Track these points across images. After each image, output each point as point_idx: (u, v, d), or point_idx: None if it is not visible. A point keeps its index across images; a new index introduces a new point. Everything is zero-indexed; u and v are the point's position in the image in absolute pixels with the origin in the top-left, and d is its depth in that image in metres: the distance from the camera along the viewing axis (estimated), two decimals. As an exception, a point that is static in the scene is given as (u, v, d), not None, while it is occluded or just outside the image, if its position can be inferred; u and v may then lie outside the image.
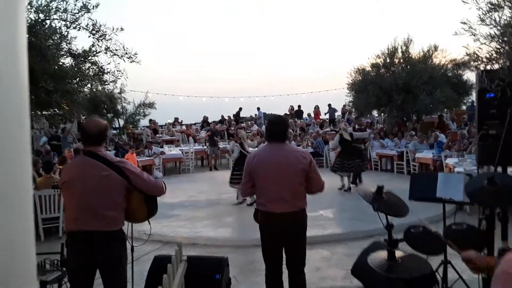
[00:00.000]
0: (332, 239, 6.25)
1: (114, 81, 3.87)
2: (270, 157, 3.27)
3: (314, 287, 4.42)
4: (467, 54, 3.58)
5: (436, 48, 15.17)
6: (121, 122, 17.53)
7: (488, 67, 3.33)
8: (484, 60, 3.40)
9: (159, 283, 2.23)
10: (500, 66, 3.02)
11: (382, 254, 2.12)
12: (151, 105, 17.12)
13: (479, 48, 3.43)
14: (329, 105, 20.29)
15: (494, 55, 3.29)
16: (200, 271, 3.81)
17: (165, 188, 3.06)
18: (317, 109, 20.82)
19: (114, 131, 17.55)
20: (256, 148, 7.70)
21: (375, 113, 17.60)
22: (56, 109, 3.64)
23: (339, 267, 5.19)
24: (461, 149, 10.44)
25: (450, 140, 11.29)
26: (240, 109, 21.77)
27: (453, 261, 3.59)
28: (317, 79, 38.36)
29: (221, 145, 14.30)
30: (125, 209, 2.89)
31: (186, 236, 6.47)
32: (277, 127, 3.35)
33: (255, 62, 38.41)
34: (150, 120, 18.52)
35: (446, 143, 11.23)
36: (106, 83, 3.81)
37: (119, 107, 16.90)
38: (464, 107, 17.08)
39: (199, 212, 8.07)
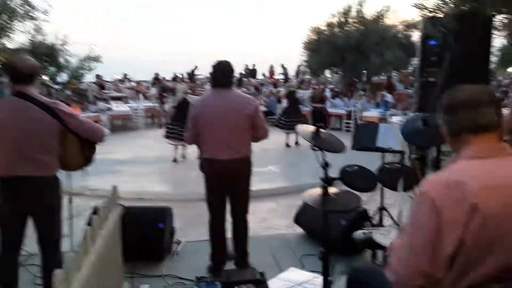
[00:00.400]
0: (279, 192, 6.38)
1: (45, 15, 3.45)
2: (215, 103, 3.16)
3: (260, 235, 4.50)
4: (415, 5, 3.56)
5: (388, 8, 15.34)
6: (65, 77, 16.44)
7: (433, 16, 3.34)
8: (430, 9, 3.41)
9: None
10: (444, 15, 3.04)
11: (316, 191, 2.14)
12: (96, 59, 16.07)
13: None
14: (282, 65, 20.21)
15: (440, 3, 3.30)
16: (143, 220, 3.74)
17: (105, 135, 2.86)
18: (271, 69, 20.69)
19: (57, 86, 16.47)
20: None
21: (327, 73, 17.75)
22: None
23: (283, 217, 5.31)
24: (405, 107, 10.85)
25: (396, 99, 11.68)
26: (196, 67, 21.10)
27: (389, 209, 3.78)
28: (274, 38, 37.97)
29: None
30: (60, 155, 2.70)
31: (131, 191, 6.30)
32: (222, 72, 3.22)
33: (211, 20, 37.23)
34: (97, 76, 17.55)
35: (393, 103, 11.61)
36: (36, 18, 3.41)
37: (61, 60, 15.76)
38: (411, 69, 17.61)
39: (146, 168, 7.88)
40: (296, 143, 9.90)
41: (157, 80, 20.04)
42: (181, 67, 21.33)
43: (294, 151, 9.54)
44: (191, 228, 5.01)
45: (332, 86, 17.29)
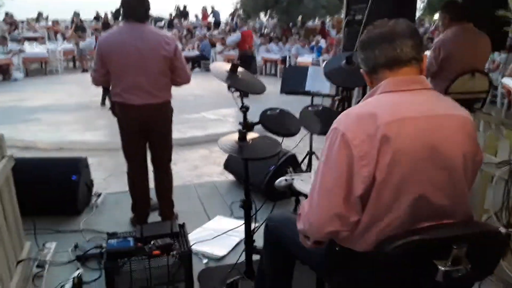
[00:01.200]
0: (212, 139, 6.19)
1: None
2: (126, 39, 2.76)
3: (190, 183, 4.36)
4: None
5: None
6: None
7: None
8: None
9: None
10: None
11: (233, 137, 1.98)
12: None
13: None
14: (212, 7, 19.22)
15: None
16: (54, 173, 3.40)
17: None
18: (204, 10, 19.61)
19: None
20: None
21: (262, 16, 17.29)
22: None
23: (216, 164, 5.20)
24: (337, 52, 10.94)
25: (329, 44, 11.70)
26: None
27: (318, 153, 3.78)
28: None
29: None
30: None
31: (48, 141, 5.78)
32: (135, 2, 2.79)
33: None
34: (6, 14, 15.54)
35: (325, 48, 11.64)
36: None
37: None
38: (343, 14, 17.67)
39: (66, 116, 7.24)
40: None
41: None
42: (103, 5, 19.48)
43: (226, 98, 9.31)
44: (114, 178, 4.73)
45: (267, 31, 16.93)
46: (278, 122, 2.02)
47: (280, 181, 1.97)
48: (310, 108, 2.18)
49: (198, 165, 5.22)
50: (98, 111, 7.63)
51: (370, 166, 1.13)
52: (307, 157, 3.92)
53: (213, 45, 13.95)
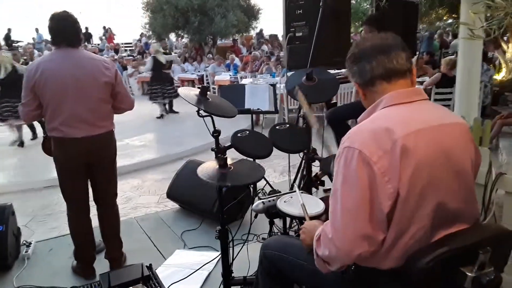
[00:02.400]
0: (142, 167, 5.88)
1: None
2: (61, 67, 2.47)
3: (127, 217, 4.02)
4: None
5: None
6: None
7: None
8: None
9: None
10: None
11: (212, 164, 1.86)
12: None
13: None
14: (104, 27, 18.74)
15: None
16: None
17: None
18: (109, 32, 18.81)
19: None
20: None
21: (172, 36, 17.08)
22: None
23: (151, 193, 4.92)
24: (253, 70, 11.21)
25: (244, 62, 11.94)
26: (9, 30, 17.62)
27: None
28: None
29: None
30: None
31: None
32: (68, 26, 2.52)
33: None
34: None
35: (242, 65, 11.85)
36: None
37: None
38: (252, 32, 18.26)
39: (-35, 157, 6.32)
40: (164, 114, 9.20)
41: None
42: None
43: (150, 122, 8.93)
44: (38, 223, 4.23)
45: (178, 51, 16.77)
46: (250, 144, 1.95)
47: (257, 204, 1.89)
48: (278, 127, 2.14)
49: (132, 197, 4.88)
50: (5, 148, 6.80)
51: (394, 181, 1.12)
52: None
53: (124, 67, 13.39)
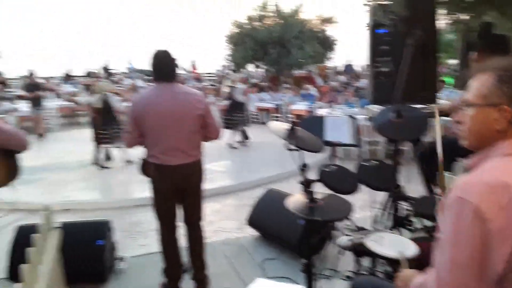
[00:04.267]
0: (223, 192, 6.12)
1: None
2: (160, 100, 2.78)
3: (209, 240, 4.21)
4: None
5: (302, 3, 15.79)
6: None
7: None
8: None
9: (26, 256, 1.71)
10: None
11: (300, 197, 1.94)
12: (-5, 54, 14.27)
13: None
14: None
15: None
16: (78, 238, 3.26)
17: (27, 141, 2.38)
18: (193, 63, 20.12)
19: None
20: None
21: (250, 67, 17.79)
22: None
23: (231, 218, 5.09)
24: (330, 100, 11.24)
25: (321, 92, 12.03)
26: (107, 61, 19.69)
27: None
28: (196, 32, 37.03)
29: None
30: None
31: (55, 202, 5.59)
32: (166, 64, 2.84)
33: (126, 13, 35.24)
34: (-3, 73, 15.58)
35: (318, 96, 11.95)
36: None
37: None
38: (327, 63, 18.38)
39: (68, 175, 7.08)
40: (241, 141, 9.41)
41: (68, 76, 18.40)
42: (93, 62, 19.81)
43: (229, 149, 9.30)
44: (130, 239, 4.57)
45: (255, 80, 17.39)
46: (337, 179, 2.00)
47: (343, 239, 1.92)
48: (366, 163, 2.17)
49: (213, 221, 5.08)
50: (100, 169, 7.51)
51: (510, 241, 1.06)
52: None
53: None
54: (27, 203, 5.52)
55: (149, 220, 4.95)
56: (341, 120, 3.98)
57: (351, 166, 3.90)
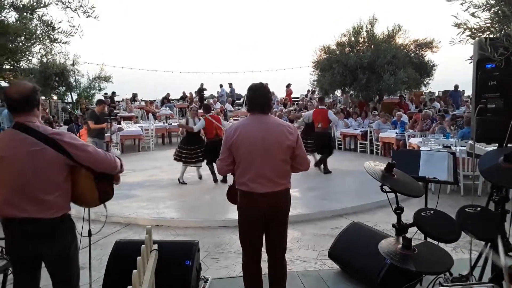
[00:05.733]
0: (302, 219, 6.05)
1: (67, 37, 3.24)
2: (254, 131, 2.90)
3: (288, 270, 4.16)
4: (456, 24, 3.32)
5: (400, 28, 15.25)
6: (75, 97, 16.43)
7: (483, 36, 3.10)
8: (477, 28, 3.17)
9: (121, 270, 1.86)
10: (501, 33, 2.78)
11: (394, 242, 1.84)
12: (107, 79, 16.11)
13: (473, 17, 3.19)
14: (230, 84, 20.81)
15: (490, 22, 3.06)
16: (169, 256, 3.43)
17: (121, 165, 2.54)
18: (289, 88, 20.39)
19: (68, 106, 16.44)
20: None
21: (338, 92, 17.58)
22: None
23: (310, 248, 4.99)
24: (423, 129, 10.59)
25: (414, 120, 11.43)
26: (202, 85, 21.01)
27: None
28: (282, 57, 38.05)
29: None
30: (72, 191, 2.40)
31: (149, 218, 6.03)
32: (261, 96, 2.97)
33: (219, 38, 37.55)
34: (106, 95, 17.50)
35: (411, 123, 11.36)
36: (58, 41, 3.20)
37: (71, 80, 15.74)
38: (423, 88, 17.45)
39: (160, 192, 7.61)
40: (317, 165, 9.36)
41: (166, 100, 19.96)
42: (189, 86, 21.32)
43: (310, 175, 9.21)
44: (212, 260, 4.71)
45: (343, 106, 17.12)
46: (434, 224, 1.86)
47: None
48: (467, 209, 2.00)
49: (292, 248, 5.03)
50: (191, 187, 7.93)
51: None
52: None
53: (291, 121, 14.31)
54: (123, 217, 6.02)
55: (231, 242, 5.08)
56: (439, 156, 3.71)
57: (444, 203, 3.62)
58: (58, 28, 3.16)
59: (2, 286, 3.10)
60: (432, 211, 1.96)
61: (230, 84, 21.44)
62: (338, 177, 8.93)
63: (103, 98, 10.46)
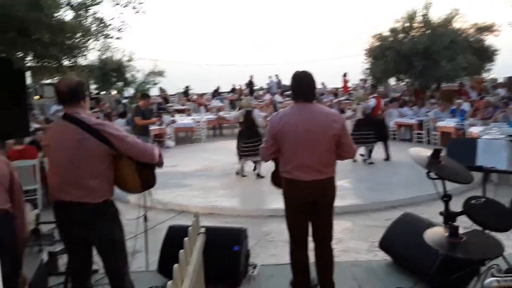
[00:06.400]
0: (353, 210, 5.96)
1: (119, 31, 3.42)
2: (298, 119, 2.90)
3: (338, 260, 4.14)
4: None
5: (457, 11, 14.37)
6: (131, 91, 17.23)
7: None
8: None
9: (174, 253, 1.97)
10: None
11: (441, 231, 1.78)
12: (160, 74, 16.72)
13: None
14: (277, 75, 20.49)
15: None
16: (218, 242, 3.54)
17: (159, 155, 2.60)
18: (345, 77, 19.90)
19: (125, 100, 17.29)
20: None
21: (392, 81, 16.94)
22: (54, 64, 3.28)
23: (361, 239, 4.92)
24: (485, 117, 9.96)
25: (475, 108, 10.78)
26: (251, 77, 21.15)
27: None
28: (332, 46, 37.21)
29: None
30: (115, 178, 2.54)
31: (201, 206, 6.24)
32: (305, 84, 2.96)
33: (269, 28, 37.58)
34: (160, 89, 18.16)
35: (472, 111, 10.73)
36: (111, 37, 3.40)
37: (128, 75, 16.52)
38: (485, 75, 16.35)
39: (212, 182, 7.83)
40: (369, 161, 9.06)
41: (216, 92, 20.37)
42: (239, 79, 21.55)
43: (361, 166, 9.02)
44: (261, 248, 4.79)
45: (397, 94, 16.48)
46: (485, 213, 1.78)
47: (491, 281, 1.69)
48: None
49: (343, 239, 4.99)
50: (241, 178, 8.06)
51: None
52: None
53: (342, 111, 14.03)
54: (177, 205, 6.29)
55: (280, 231, 5.12)
56: (498, 144, 3.50)
57: (506, 194, 3.40)
58: (109, 25, 3.35)
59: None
60: (484, 199, 1.87)
61: (277, 76, 21.31)
62: (390, 168, 8.67)
63: (147, 93, 10.64)
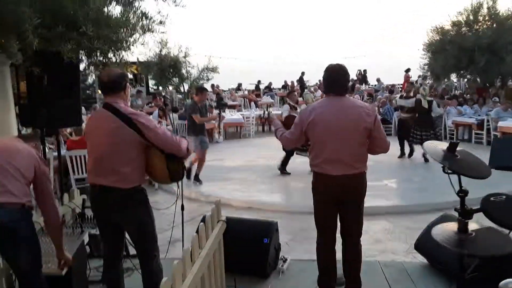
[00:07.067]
0: (395, 211, 5.76)
1: (162, 25, 3.54)
2: (329, 112, 2.87)
3: (374, 259, 4.04)
4: None
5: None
6: (186, 87, 17.79)
7: None
8: None
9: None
10: None
11: (451, 226, 1.70)
12: (214, 70, 17.09)
13: None
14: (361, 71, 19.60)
15: None
16: (248, 234, 3.62)
17: (187, 149, 2.70)
18: (407, 73, 19.14)
19: (180, 96, 17.90)
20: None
21: (453, 77, 16.00)
22: (100, 58, 3.47)
23: (401, 240, 4.75)
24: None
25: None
26: (303, 73, 20.98)
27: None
28: (388, 41, 35.80)
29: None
30: (146, 167, 2.66)
31: (241, 199, 6.35)
32: (336, 77, 2.92)
33: (318, 23, 37.00)
34: (213, 85, 18.58)
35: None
36: (152, 31, 3.53)
37: (183, 71, 17.06)
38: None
39: (255, 177, 7.91)
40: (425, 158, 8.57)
41: (268, 88, 20.46)
42: (290, 75, 21.51)
43: (411, 165, 8.65)
44: (296, 243, 4.78)
45: (459, 92, 15.56)
46: (505, 211, 1.67)
47: (507, 283, 1.59)
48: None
49: (381, 239, 4.85)
50: (282, 174, 8.07)
51: None
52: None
53: (395, 108, 13.51)
54: (219, 197, 6.41)
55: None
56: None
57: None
58: (151, 19, 3.48)
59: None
60: (504, 197, 1.74)
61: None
62: (436, 168, 8.23)
63: (204, 86, 10.76)
